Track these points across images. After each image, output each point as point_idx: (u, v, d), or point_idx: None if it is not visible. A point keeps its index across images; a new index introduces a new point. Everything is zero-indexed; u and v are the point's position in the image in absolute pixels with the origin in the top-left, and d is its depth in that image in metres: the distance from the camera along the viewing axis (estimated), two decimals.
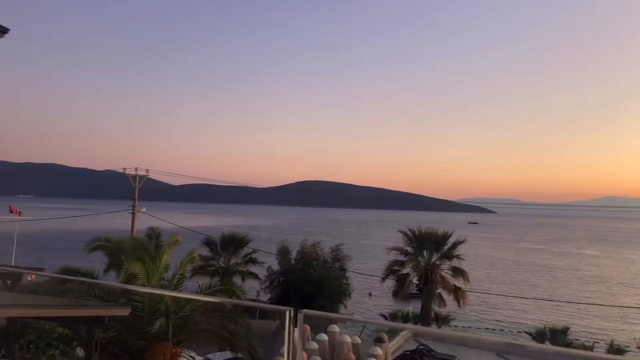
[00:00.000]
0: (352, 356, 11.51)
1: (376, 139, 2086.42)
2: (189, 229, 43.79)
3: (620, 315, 49.23)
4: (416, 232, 29.88)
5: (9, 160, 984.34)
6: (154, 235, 18.12)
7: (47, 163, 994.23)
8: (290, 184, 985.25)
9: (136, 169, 38.87)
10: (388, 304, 48.33)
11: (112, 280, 14.61)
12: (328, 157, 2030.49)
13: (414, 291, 30.87)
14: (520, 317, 46.99)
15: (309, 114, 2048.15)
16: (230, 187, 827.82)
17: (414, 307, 35.19)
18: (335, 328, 12.52)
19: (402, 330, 15.39)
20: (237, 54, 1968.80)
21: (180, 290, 14.85)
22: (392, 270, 29.78)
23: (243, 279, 32.74)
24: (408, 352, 13.50)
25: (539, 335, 27.52)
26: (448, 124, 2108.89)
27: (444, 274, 28.50)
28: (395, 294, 34.25)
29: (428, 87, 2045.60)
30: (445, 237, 29.57)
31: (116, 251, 14.23)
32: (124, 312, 11.04)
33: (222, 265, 34.21)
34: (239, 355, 15.43)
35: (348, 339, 12.12)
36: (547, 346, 15.23)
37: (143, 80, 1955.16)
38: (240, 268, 34.20)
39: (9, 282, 15.48)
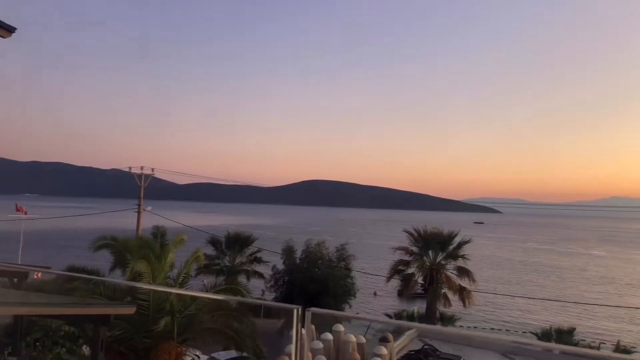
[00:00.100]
0: (357, 355, 11.51)
1: (382, 138, 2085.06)
2: (194, 227, 43.85)
3: (627, 316, 48.93)
4: (421, 232, 29.84)
5: (15, 159, 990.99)
6: (159, 234, 18.17)
7: (53, 162, 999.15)
8: (295, 184, 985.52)
9: (142, 168, 38.97)
10: (393, 303, 48.24)
11: (117, 279, 14.67)
12: (333, 156, 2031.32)
13: (419, 291, 30.80)
14: (526, 318, 46.76)
15: (314, 114, 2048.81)
16: (235, 186, 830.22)
17: (419, 307, 35.12)
18: (340, 327, 12.51)
19: (407, 329, 15.36)
20: (242, 54, 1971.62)
21: (186, 289, 14.88)
22: (397, 269, 29.74)
23: (248, 278, 32.76)
24: (413, 352, 13.48)
25: (545, 336, 27.39)
26: (454, 124, 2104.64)
27: (449, 273, 28.43)
28: (401, 294, 34.17)
29: (433, 87, 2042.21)
30: (451, 237, 29.51)
31: (122, 250, 14.28)
32: (130, 310, 11.08)
33: (227, 264, 34.25)
34: (244, 354, 15.43)
35: (353, 338, 12.11)
36: (553, 345, 15.16)
37: (149, 80, 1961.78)
38: (245, 267, 34.23)
39: (15, 280, 15.53)
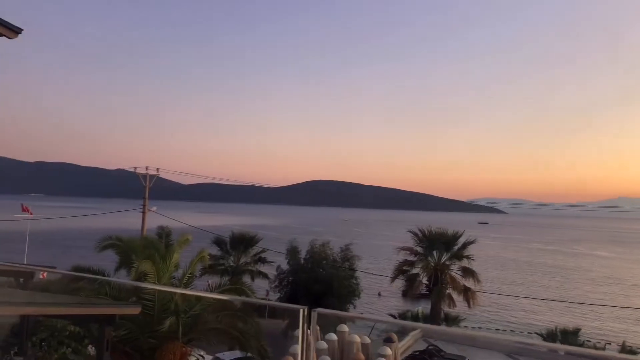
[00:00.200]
0: (362, 356, 11.49)
1: (385, 138, 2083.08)
2: (198, 228, 43.96)
3: (633, 317, 48.69)
4: (426, 232, 29.77)
5: (21, 160, 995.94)
6: (164, 234, 18.21)
7: (58, 162, 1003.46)
8: (299, 184, 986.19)
9: (147, 168, 39.07)
10: (397, 304, 48.18)
11: (122, 279, 14.73)
12: (337, 156, 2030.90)
13: (423, 291, 30.73)
14: (531, 318, 46.63)
15: (317, 114, 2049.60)
16: (239, 186, 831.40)
17: (423, 307, 35.06)
18: (345, 328, 12.50)
19: (411, 330, 15.34)
20: (243, 54, 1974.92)
21: (191, 289, 14.93)
22: (401, 270, 29.69)
23: (252, 278, 32.82)
24: (417, 353, 13.45)
25: (550, 336, 27.31)
26: (457, 123, 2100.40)
27: (453, 274, 28.36)
28: (405, 294, 34.08)
29: (436, 87, 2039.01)
30: (455, 237, 29.43)
31: (127, 250, 14.34)
32: (135, 310, 11.13)
33: (232, 264, 34.32)
34: (248, 354, 15.47)
35: (357, 338, 12.09)
36: (558, 345, 15.10)
37: (154, 80, 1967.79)
38: (249, 267, 34.29)
39: (21, 280, 15.64)
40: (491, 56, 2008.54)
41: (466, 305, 28.06)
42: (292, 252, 32.70)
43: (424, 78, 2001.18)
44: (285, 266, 32.75)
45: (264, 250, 35.80)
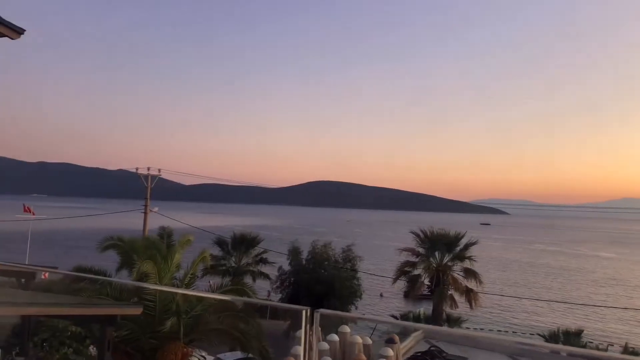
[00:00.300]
0: (363, 357, 11.45)
1: (387, 139, 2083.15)
2: (200, 228, 43.97)
3: (636, 318, 48.54)
4: (428, 233, 29.75)
5: (23, 160, 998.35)
6: (165, 234, 18.24)
7: (60, 163, 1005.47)
8: (301, 184, 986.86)
9: (148, 168, 39.10)
10: (399, 305, 48.15)
11: (124, 279, 14.73)
12: (339, 157, 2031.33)
13: (425, 292, 30.72)
14: (533, 320, 46.55)
15: (320, 114, 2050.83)
16: (241, 187, 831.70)
17: (425, 308, 35.01)
18: (346, 329, 12.45)
19: (413, 331, 15.30)
20: (246, 53, 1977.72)
21: (192, 289, 14.93)
22: (403, 271, 29.66)
23: (254, 279, 32.83)
24: (419, 354, 13.40)
25: (552, 338, 27.26)
26: (460, 124, 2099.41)
27: (455, 275, 28.31)
28: (407, 295, 34.12)
29: (439, 87, 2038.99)
30: (457, 238, 29.40)
31: (128, 250, 14.35)
32: (136, 311, 11.14)
33: (233, 265, 34.33)
34: (250, 355, 15.46)
35: (359, 339, 12.04)
36: (560, 346, 15.05)
37: (155, 80, 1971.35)
38: (251, 268, 34.30)
39: (23, 280, 15.62)
40: (493, 56, 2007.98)
41: (468, 306, 28.02)
42: (294, 252, 32.71)
43: (425, 78, 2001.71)
44: (286, 267, 32.76)
45: (265, 251, 35.82)
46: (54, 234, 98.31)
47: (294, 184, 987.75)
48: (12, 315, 10.03)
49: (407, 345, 14.14)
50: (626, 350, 28.44)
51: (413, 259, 29.45)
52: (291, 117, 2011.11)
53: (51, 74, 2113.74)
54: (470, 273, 28.06)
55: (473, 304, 27.53)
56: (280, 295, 32.48)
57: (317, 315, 3.38)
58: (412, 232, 30.57)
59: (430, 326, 26.46)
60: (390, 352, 11.53)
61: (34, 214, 46.34)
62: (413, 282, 29.14)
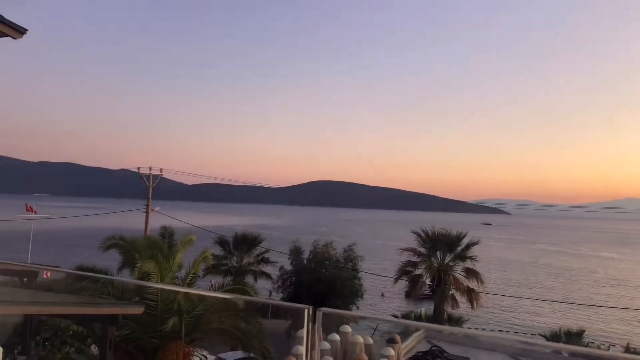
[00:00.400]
0: (364, 357, 11.46)
1: (389, 139, 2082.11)
2: (201, 228, 44.03)
3: (637, 318, 48.47)
4: (429, 232, 29.75)
5: (26, 159, 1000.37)
6: (167, 234, 18.27)
7: (62, 162, 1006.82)
8: (302, 184, 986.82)
9: (150, 168, 39.18)
10: (400, 305, 48.16)
11: (126, 278, 14.76)
12: (340, 157, 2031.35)
13: (426, 292, 30.72)
14: (534, 320, 46.50)
15: (321, 114, 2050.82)
16: (242, 186, 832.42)
17: (426, 308, 35.03)
18: (348, 328, 12.46)
19: (415, 330, 15.30)
20: (247, 54, 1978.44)
21: (194, 288, 14.95)
22: (404, 271, 29.67)
23: (255, 279, 32.82)
24: (420, 354, 13.41)
25: (554, 338, 27.22)
26: (462, 124, 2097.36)
27: (457, 275, 28.31)
28: (408, 295, 34.15)
29: (440, 87, 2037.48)
30: (459, 238, 29.39)
31: (130, 250, 14.38)
32: (138, 310, 11.16)
33: (235, 264, 34.33)
34: (251, 354, 15.47)
35: (360, 339, 12.06)
36: (563, 346, 15.04)
37: (157, 80, 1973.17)
38: (252, 267, 34.28)
39: (25, 279, 15.64)
40: (494, 55, 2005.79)
41: (469, 306, 28.02)
42: (295, 252, 32.74)
43: (427, 77, 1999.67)
44: (288, 266, 32.78)
45: (267, 251, 35.81)
46: (56, 233, 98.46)
47: (296, 184, 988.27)
48: (14, 314, 10.05)
49: (408, 345, 14.16)
50: (628, 350, 28.41)
51: (414, 258, 29.47)
52: (292, 116, 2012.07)
53: (53, 73, 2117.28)
54: (471, 273, 28.07)
55: (474, 304, 27.52)
56: (282, 294, 32.51)
57: (319, 314, 3.39)
58: (414, 232, 30.58)
59: (432, 325, 26.50)
60: (391, 351, 11.54)
61: (36, 213, 46.42)
62: (414, 282, 29.16)
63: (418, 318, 32.05)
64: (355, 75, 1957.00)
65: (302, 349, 3.73)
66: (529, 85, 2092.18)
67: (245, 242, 35.09)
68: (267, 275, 34.14)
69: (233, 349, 17.51)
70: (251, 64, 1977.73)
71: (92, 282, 13.03)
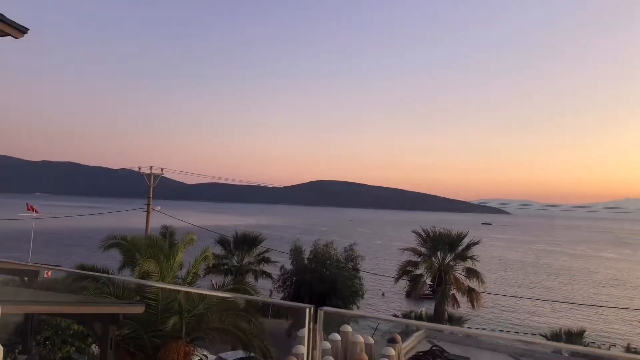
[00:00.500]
0: (365, 356, 11.44)
1: (390, 139, 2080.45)
2: (202, 227, 44.00)
3: (638, 319, 48.41)
4: (430, 232, 29.72)
5: (27, 159, 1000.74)
6: (168, 233, 18.26)
7: (63, 162, 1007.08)
8: (303, 184, 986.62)
9: (151, 167, 39.15)
10: (401, 304, 48.13)
11: (126, 277, 14.76)
12: (341, 157, 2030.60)
13: (427, 292, 30.68)
14: (535, 320, 46.46)
15: (323, 114, 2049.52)
16: (243, 186, 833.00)
17: (427, 308, 35.02)
18: (348, 328, 12.45)
19: (415, 331, 15.29)
20: (247, 54, 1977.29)
21: (195, 287, 14.95)
22: (405, 270, 29.64)
23: (256, 278, 32.82)
24: (421, 353, 13.39)
25: (554, 338, 27.18)
26: (462, 124, 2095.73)
27: (457, 275, 28.28)
28: (409, 295, 34.07)
29: (441, 87, 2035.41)
30: (459, 237, 29.35)
31: (131, 249, 14.37)
32: (138, 310, 11.15)
33: (236, 264, 34.32)
34: (251, 354, 15.47)
35: (361, 339, 12.04)
36: (564, 345, 15.03)
37: (158, 80, 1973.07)
38: (253, 267, 34.29)
39: (26, 278, 15.66)
40: (495, 54, 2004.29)
41: (470, 306, 27.98)
42: (296, 252, 32.75)
43: (428, 77, 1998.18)
44: (289, 266, 32.79)
45: (267, 250, 35.82)
46: (57, 233, 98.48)
47: (297, 183, 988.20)
48: (15, 313, 10.05)
49: (409, 345, 14.14)
50: (628, 351, 28.37)
51: (415, 258, 29.44)
52: (294, 116, 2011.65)
53: (54, 73, 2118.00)
54: (472, 273, 28.02)
55: (475, 304, 27.49)
56: (283, 294, 32.51)
57: (320, 313, 3.37)
58: (414, 232, 30.55)
59: (433, 324, 26.47)
60: (392, 351, 11.52)
61: (37, 213, 46.45)
62: (415, 281, 29.12)
63: (419, 318, 32.05)
64: (355, 75, 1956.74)
65: (302, 349, 3.72)
66: (529, 85, 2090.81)
67: (246, 241, 35.08)
68: (268, 275, 34.14)
69: (233, 348, 17.54)
70: (251, 64, 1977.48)
71: (92, 281, 13.03)
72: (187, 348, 12.65)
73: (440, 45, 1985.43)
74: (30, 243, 40.28)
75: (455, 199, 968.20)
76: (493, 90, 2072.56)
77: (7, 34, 7.14)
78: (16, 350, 11.56)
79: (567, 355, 16.64)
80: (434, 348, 13.63)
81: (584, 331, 29.08)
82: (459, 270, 28.50)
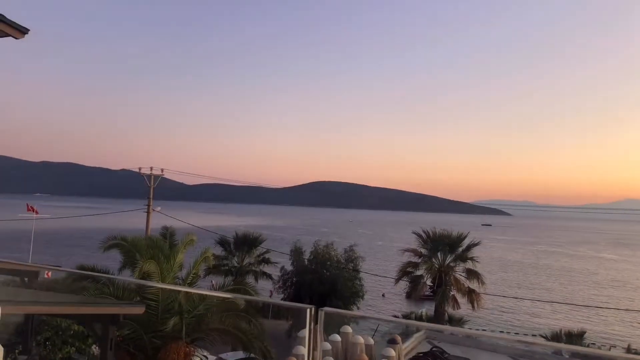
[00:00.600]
0: (365, 357, 11.46)
1: (390, 140, 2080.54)
2: (202, 228, 43.98)
3: (638, 320, 48.38)
4: (430, 233, 29.71)
5: (27, 159, 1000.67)
6: (168, 234, 18.27)
7: (63, 162, 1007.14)
8: (304, 184, 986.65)
9: (151, 168, 39.12)
10: (401, 305, 48.08)
11: (127, 278, 14.76)
12: (342, 157, 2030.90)
13: (427, 293, 30.68)
14: (535, 321, 46.42)
15: (324, 114, 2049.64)
16: (243, 187, 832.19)
17: (427, 309, 34.98)
18: (348, 329, 12.46)
19: (415, 331, 15.30)
20: (247, 54, 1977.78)
21: (196, 288, 14.94)
22: (405, 271, 29.64)
23: (256, 279, 32.81)
24: (421, 354, 13.40)
25: (555, 339, 27.18)
26: (463, 125, 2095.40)
27: (458, 276, 28.27)
28: (409, 296, 34.04)
29: (441, 88, 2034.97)
30: (460, 238, 29.34)
31: (131, 250, 14.37)
32: (139, 310, 11.15)
33: (236, 264, 34.31)
34: (252, 355, 15.47)
35: (361, 339, 12.06)
36: (562, 345, 15.02)
37: (158, 80, 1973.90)
38: (253, 268, 34.28)
39: (26, 279, 15.67)
40: (495, 54, 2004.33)
41: (470, 307, 27.97)
42: (296, 253, 32.74)
43: (428, 77, 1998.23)
44: (289, 267, 32.78)
45: (267, 251, 35.80)
46: (57, 233, 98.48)
47: (297, 184, 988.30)
48: (15, 313, 10.05)
49: (409, 345, 14.15)
50: (628, 352, 28.34)
51: (415, 259, 29.43)
52: (294, 117, 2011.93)
53: (55, 73, 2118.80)
54: (472, 274, 28.01)
55: (475, 305, 27.47)
56: (283, 295, 32.51)
57: (321, 314, 3.37)
58: (415, 233, 30.54)
59: (433, 325, 26.46)
60: (392, 352, 11.53)
61: (37, 213, 46.44)
62: (415, 282, 29.11)
63: (419, 319, 32.01)
64: (355, 75, 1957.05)
65: (303, 350, 3.72)
66: (529, 85, 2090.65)
67: (246, 242, 35.07)
68: (268, 276, 34.12)
69: (234, 349, 17.53)
70: (251, 64, 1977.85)
71: (93, 281, 13.04)
72: (188, 349, 12.65)
73: (440, 45, 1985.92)
74: (30, 243, 40.27)
75: (455, 199, 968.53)
76: (493, 90, 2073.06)
77: (7, 35, 7.14)
78: (16, 351, 11.56)
79: (567, 356, 16.64)
80: (434, 349, 13.63)
81: (584, 332, 29.07)
82: (459, 272, 28.49)
